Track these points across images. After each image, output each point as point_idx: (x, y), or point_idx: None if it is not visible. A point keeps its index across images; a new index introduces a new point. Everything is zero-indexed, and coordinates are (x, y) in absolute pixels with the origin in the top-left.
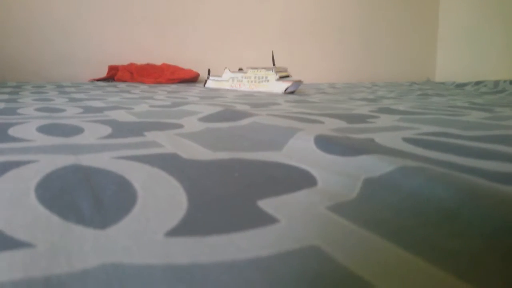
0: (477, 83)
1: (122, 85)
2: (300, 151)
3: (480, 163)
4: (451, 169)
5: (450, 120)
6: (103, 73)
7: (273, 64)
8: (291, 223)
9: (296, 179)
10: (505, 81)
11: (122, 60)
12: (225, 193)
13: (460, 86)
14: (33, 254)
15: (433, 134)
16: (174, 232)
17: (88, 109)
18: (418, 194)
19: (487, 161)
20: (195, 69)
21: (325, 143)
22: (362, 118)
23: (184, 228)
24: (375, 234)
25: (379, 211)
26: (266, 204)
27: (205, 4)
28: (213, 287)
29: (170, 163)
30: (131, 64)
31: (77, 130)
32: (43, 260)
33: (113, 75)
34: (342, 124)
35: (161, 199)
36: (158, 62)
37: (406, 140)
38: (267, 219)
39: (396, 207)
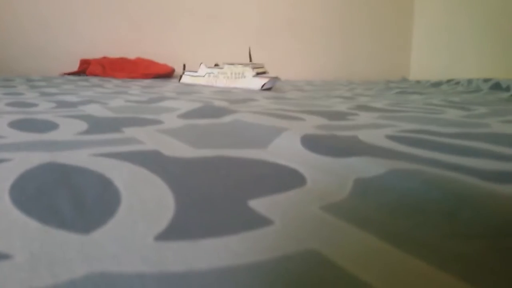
0: (450, 81)
1: (94, 80)
2: (286, 149)
3: (466, 161)
4: (438, 167)
5: (428, 117)
6: (75, 66)
7: (250, 60)
8: (285, 224)
9: (285, 178)
10: (478, 79)
11: (95, 53)
12: (213, 192)
13: (436, 85)
14: (11, 266)
15: (414, 131)
16: (164, 235)
17: (61, 104)
18: (413, 196)
19: (472, 158)
20: (171, 64)
21: (312, 142)
22: (342, 116)
23: (174, 231)
24: (372, 235)
25: (373, 211)
26: (258, 205)
27: None
28: None
29: (152, 161)
30: (104, 58)
31: (52, 126)
32: (22, 272)
33: (85, 69)
34: (323, 121)
35: (146, 199)
36: (132, 56)
37: (390, 137)
38: (261, 221)
39: (391, 207)
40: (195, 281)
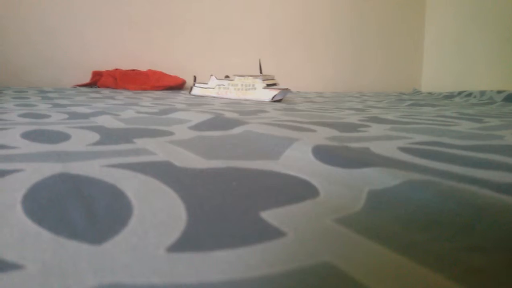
0: (462, 92)
1: (105, 91)
2: (298, 160)
3: (481, 173)
4: (453, 179)
5: (441, 129)
6: (86, 78)
7: (260, 72)
8: (299, 236)
9: (297, 190)
10: (491, 91)
11: (106, 65)
12: (225, 203)
13: (448, 97)
14: (23, 276)
15: (427, 143)
16: (177, 247)
17: (73, 115)
18: (428, 208)
19: (487, 170)
20: (181, 75)
21: (324, 153)
22: (353, 127)
23: (186, 243)
24: (387, 248)
25: (388, 223)
26: (270, 216)
27: (192, 10)
28: None
29: (163, 171)
30: (116, 70)
31: (64, 137)
32: (34, 283)
33: (97, 80)
34: (335, 132)
35: (158, 210)
36: (143, 68)
37: (402, 149)
38: (274, 233)
39: (405, 220)
40: None
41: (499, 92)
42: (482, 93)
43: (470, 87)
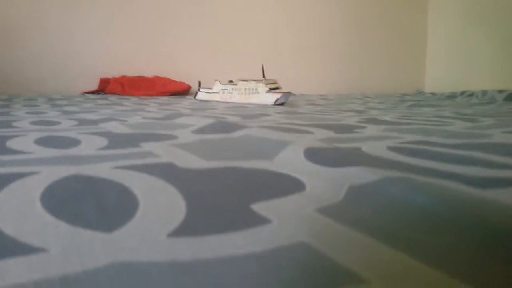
0: (464, 93)
1: (113, 98)
2: (290, 161)
3: (460, 169)
4: (432, 175)
5: (433, 129)
6: (94, 85)
7: (263, 76)
8: (282, 223)
9: (286, 185)
10: (493, 91)
11: (114, 72)
12: (221, 198)
13: (451, 97)
14: (48, 257)
15: (416, 142)
16: (176, 233)
17: (82, 122)
18: (400, 199)
19: (466, 166)
20: (187, 81)
21: (314, 154)
22: (349, 128)
23: (185, 230)
24: (359, 231)
25: (362, 212)
26: (259, 207)
27: (197, 17)
28: (215, 279)
29: (167, 172)
30: (123, 77)
31: (74, 142)
32: (57, 262)
33: (104, 87)
34: (330, 134)
35: (161, 205)
36: (150, 74)
37: (391, 148)
38: (260, 220)
39: (378, 209)
40: (201, 267)
41: (500, 91)
42: (484, 92)
43: (474, 87)
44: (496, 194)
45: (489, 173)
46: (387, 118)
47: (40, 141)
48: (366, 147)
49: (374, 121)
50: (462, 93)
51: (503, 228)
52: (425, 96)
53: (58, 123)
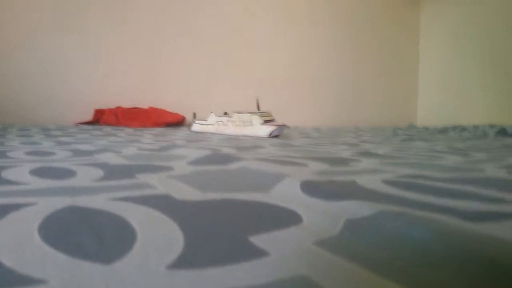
0: (456, 127)
1: (107, 129)
2: (287, 193)
3: (454, 203)
4: (427, 209)
5: (427, 164)
6: (88, 115)
7: (258, 109)
8: (280, 255)
9: (284, 218)
10: (484, 125)
11: (108, 103)
12: (218, 230)
13: (443, 131)
14: None
15: (411, 176)
16: (175, 265)
17: (77, 153)
18: (396, 233)
19: (459, 200)
20: (181, 112)
21: (310, 187)
22: (344, 161)
23: (183, 262)
24: (356, 264)
25: (359, 245)
26: (257, 239)
27: (192, 49)
28: None
29: (164, 204)
30: (118, 108)
31: (70, 173)
32: None
33: (99, 118)
34: (325, 167)
35: (159, 237)
36: (145, 105)
37: (386, 182)
38: (259, 252)
39: (375, 243)
40: None
41: (491, 126)
42: (476, 127)
43: (466, 120)
44: (489, 228)
45: (482, 207)
46: (380, 151)
47: (36, 172)
48: (362, 181)
49: (368, 154)
50: (454, 127)
51: (497, 262)
52: (417, 130)
53: (53, 153)
